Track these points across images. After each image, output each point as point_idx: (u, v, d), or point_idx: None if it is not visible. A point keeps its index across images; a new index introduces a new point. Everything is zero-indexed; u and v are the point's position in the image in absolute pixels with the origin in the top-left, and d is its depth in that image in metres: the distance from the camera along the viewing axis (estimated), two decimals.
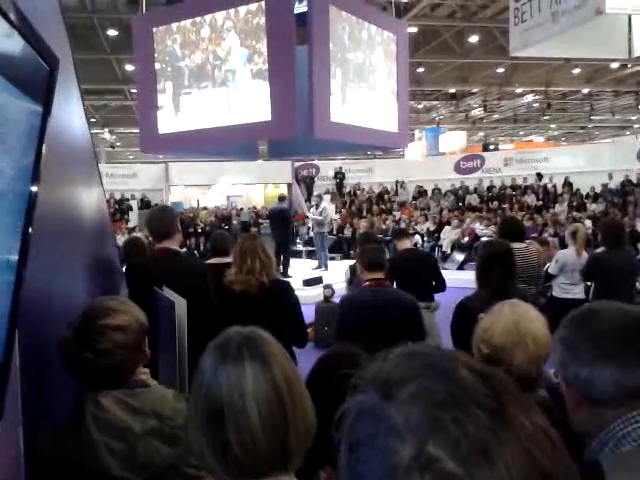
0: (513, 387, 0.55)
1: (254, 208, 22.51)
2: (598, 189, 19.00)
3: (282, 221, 12.12)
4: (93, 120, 20.27)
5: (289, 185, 24.05)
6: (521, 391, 0.55)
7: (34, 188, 1.31)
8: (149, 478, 1.50)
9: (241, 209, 22.66)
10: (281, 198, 13.17)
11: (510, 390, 0.54)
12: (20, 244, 1.30)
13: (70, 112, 2.48)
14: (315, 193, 15.04)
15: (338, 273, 9.57)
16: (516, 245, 3.99)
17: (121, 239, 13.96)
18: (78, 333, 1.54)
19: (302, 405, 1.12)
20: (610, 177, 19.02)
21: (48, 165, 1.40)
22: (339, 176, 23.88)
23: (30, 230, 1.34)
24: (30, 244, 1.34)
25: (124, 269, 3.46)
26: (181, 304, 2.40)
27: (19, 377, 1.53)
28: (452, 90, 21.03)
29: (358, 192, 23.28)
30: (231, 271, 3.35)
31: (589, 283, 5.67)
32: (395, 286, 4.38)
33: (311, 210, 13.46)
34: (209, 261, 4.59)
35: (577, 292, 5.74)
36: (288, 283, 3.71)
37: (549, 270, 5.76)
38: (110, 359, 1.53)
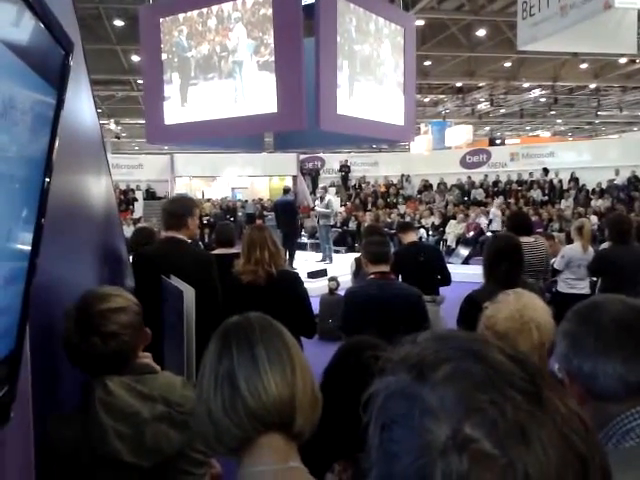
0: (545, 372, 0.56)
1: (259, 200, 22.53)
2: (604, 185, 18.93)
3: (289, 213, 12.13)
4: (99, 110, 20.22)
5: (294, 177, 24.05)
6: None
7: (47, 177, 1.32)
8: (158, 464, 1.52)
9: (245, 201, 22.71)
10: (286, 190, 13.19)
11: (544, 375, 0.55)
12: (32, 235, 1.30)
13: (80, 101, 2.49)
14: (320, 185, 15.00)
15: (343, 266, 9.58)
16: (524, 239, 3.99)
17: (127, 230, 14.02)
18: (80, 321, 1.55)
19: (308, 374, 1.16)
20: (617, 173, 18.95)
21: (58, 153, 1.41)
22: (344, 169, 23.87)
23: (42, 220, 1.34)
24: (42, 234, 1.35)
25: (131, 259, 3.48)
26: (189, 293, 2.42)
27: (29, 364, 1.55)
28: (459, 84, 20.96)
29: (363, 185, 23.27)
30: (239, 261, 3.35)
31: (595, 278, 5.66)
32: (400, 279, 4.39)
33: (316, 202, 13.44)
34: (214, 252, 4.61)
35: (582, 287, 5.73)
36: (296, 274, 3.71)
37: (555, 265, 5.75)
38: (118, 341, 1.55)
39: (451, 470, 0.48)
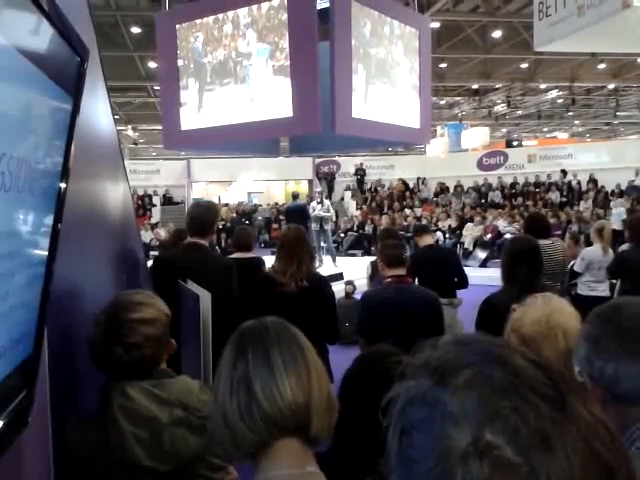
0: (570, 378, 0.55)
1: (275, 204, 22.60)
2: (624, 186, 18.70)
3: (301, 218, 12.09)
4: (116, 117, 20.48)
5: (310, 181, 24.09)
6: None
7: (63, 183, 1.33)
8: (176, 468, 1.52)
9: (260, 205, 22.84)
10: (295, 196, 13.17)
11: (568, 381, 0.54)
12: (49, 239, 1.32)
13: (97, 108, 2.51)
14: (317, 189, 14.78)
15: (359, 269, 9.56)
16: (541, 242, 3.95)
17: (144, 234, 14.14)
18: (107, 329, 1.55)
19: (323, 378, 1.15)
20: (637, 174, 18.70)
21: (76, 160, 1.42)
22: (360, 172, 23.84)
23: (59, 226, 1.36)
24: (59, 239, 1.37)
25: (150, 263, 3.50)
26: (205, 297, 2.42)
27: (47, 368, 1.56)
28: (475, 86, 20.86)
29: (379, 188, 23.22)
30: (276, 266, 3.32)
31: (614, 281, 5.59)
32: (417, 283, 4.37)
33: (312, 206, 13.20)
34: (232, 256, 4.63)
35: (602, 290, 5.66)
36: (325, 277, 3.71)
37: (575, 267, 5.68)
38: (140, 352, 1.55)
39: (471, 477, 0.47)
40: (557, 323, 1.68)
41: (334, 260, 12.94)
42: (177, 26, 4.70)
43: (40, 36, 1.06)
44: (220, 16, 4.48)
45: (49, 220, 1.30)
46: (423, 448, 0.51)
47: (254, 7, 4.27)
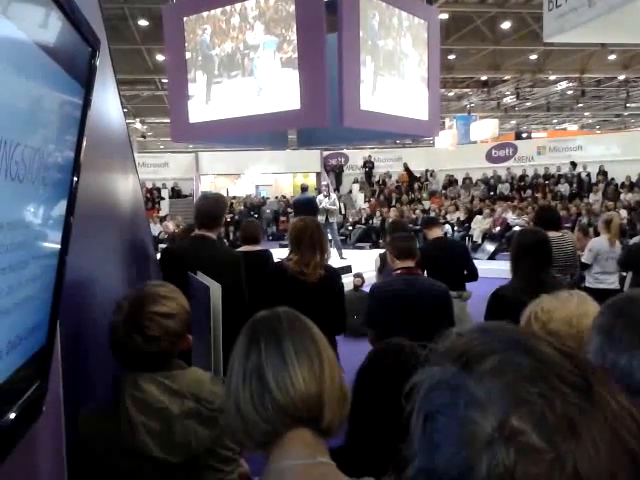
0: (596, 367, 0.54)
1: (283, 197, 22.61)
2: (634, 178, 18.56)
3: (309, 211, 12.08)
4: (125, 110, 20.46)
5: (318, 174, 24.07)
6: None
7: (75, 175, 1.34)
8: (187, 459, 1.53)
9: (268, 198, 22.85)
10: (304, 188, 13.17)
11: (594, 370, 0.54)
12: (62, 231, 1.32)
13: (107, 100, 2.52)
14: (323, 182, 14.67)
15: (367, 262, 9.57)
16: (551, 234, 3.92)
17: (153, 228, 14.17)
18: (129, 318, 1.56)
19: (335, 369, 1.15)
20: None
21: (87, 152, 1.43)
22: (368, 165, 23.81)
23: (71, 219, 1.36)
24: (71, 232, 1.37)
25: (159, 255, 3.52)
26: (216, 289, 2.42)
27: (60, 359, 1.57)
28: (484, 77, 20.74)
29: (387, 181, 23.17)
30: (297, 257, 3.30)
31: (624, 274, 5.55)
32: (426, 275, 4.37)
33: (318, 198, 13.15)
34: (240, 249, 4.64)
35: (612, 282, 5.61)
36: (336, 269, 3.73)
37: (582, 259, 5.65)
38: (158, 345, 1.56)
39: (497, 462, 0.47)
40: (586, 327, 1.66)
41: (340, 253, 12.94)
42: (185, 19, 4.68)
43: (53, 26, 1.06)
44: (228, 8, 4.46)
45: (61, 212, 1.30)
46: (447, 433, 0.52)
47: None
